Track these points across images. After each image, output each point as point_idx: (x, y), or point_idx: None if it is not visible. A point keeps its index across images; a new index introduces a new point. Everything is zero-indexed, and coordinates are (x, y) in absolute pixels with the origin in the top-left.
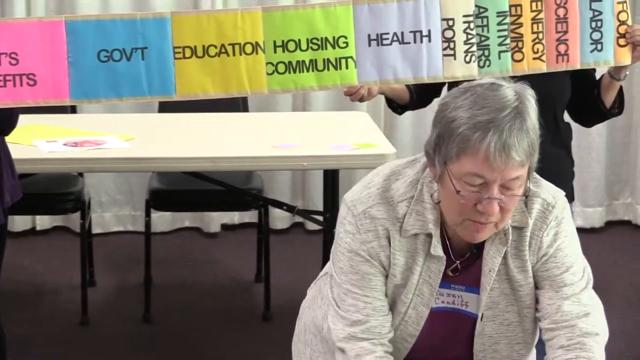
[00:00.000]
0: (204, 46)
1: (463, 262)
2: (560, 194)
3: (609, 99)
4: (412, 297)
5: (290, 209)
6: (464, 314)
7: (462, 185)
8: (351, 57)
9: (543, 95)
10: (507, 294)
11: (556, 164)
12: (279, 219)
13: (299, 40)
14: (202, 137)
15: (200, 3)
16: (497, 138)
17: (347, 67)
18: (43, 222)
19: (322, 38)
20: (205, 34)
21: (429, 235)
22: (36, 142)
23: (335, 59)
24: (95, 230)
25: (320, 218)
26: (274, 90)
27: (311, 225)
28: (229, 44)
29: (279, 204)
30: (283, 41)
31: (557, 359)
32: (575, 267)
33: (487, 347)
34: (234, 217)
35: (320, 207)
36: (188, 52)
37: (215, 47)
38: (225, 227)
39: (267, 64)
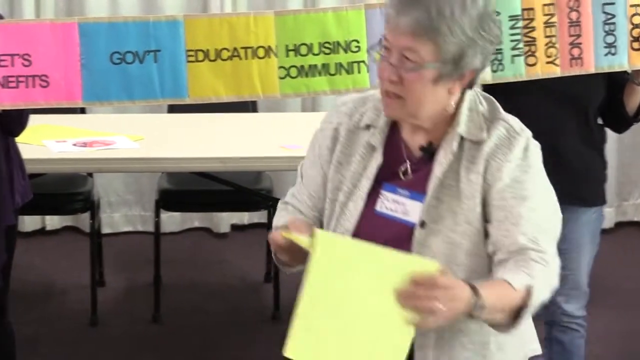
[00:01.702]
0: (216, 49)
1: (414, 166)
2: (530, 134)
3: (631, 104)
4: (351, 187)
5: None
6: (405, 224)
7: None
8: (363, 62)
9: (575, 95)
10: (454, 211)
11: (586, 164)
12: None
13: (311, 44)
14: (211, 137)
15: (210, 7)
16: (402, 3)
17: (359, 72)
18: (53, 222)
19: (334, 42)
20: (218, 37)
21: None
22: (46, 142)
23: (348, 63)
24: (105, 230)
25: None
26: (286, 94)
27: None
28: (242, 48)
29: None
30: (295, 45)
31: (497, 273)
32: (541, 213)
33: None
34: (244, 218)
35: None
36: (201, 55)
37: (228, 50)
38: (234, 227)
39: (279, 67)
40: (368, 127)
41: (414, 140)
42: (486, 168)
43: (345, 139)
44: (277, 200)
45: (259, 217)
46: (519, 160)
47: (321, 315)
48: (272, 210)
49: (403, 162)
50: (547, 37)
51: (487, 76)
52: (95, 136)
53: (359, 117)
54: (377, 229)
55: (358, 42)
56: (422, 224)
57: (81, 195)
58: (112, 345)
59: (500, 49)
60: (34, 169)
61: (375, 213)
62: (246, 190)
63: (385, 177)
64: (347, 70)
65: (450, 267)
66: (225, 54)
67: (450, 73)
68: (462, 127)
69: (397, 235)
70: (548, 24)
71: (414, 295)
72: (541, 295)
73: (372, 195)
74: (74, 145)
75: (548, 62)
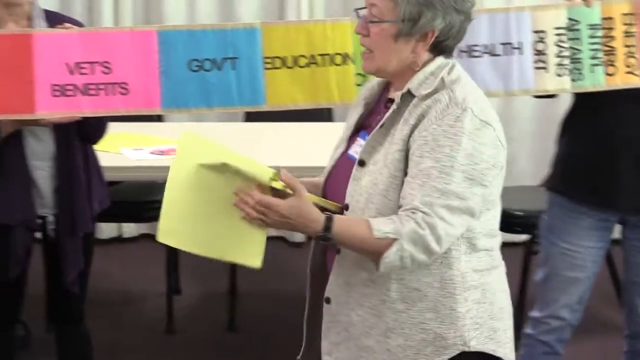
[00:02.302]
0: (293, 56)
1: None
2: (473, 110)
3: None
4: (341, 136)
5: None
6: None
7: None
8: None
9: None
10: (386, 158)
11: None
12: None
13: None
14: (287, 146)
15: (287, 14)
16: None
17: None
18: (130, 229)
19: None
20: (295, 45)
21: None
22: (123, 150)
23: None
24: None
25: None
26: None
27: None
28: (319, 55)
29: None
30: None
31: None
32: (451, 180)
33: (357, 198)
34: None
35: None
36: (278, 63)
37: (305, 57)
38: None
39: (356, 74)
40: (372, 88)
41: (393, 96)
42: (416, 124)
43: (357, 100)
44: None
45: None
46: (446, 126)
47: (186, 206)
48: None
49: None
50: (626, 46)
51: (566, 85)
52: (172, 144)
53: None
54: (342, 170)
55: None
56: (361, 163)
57: (158, 203)
58: (188, 353)
59: (579, 58)
60: (112, 177)
61: (347, 156)
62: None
63: (365, 127)
64: None
65: (367, 205)
66: (302, 61)
67: (409, 32)
68: (414, 83)
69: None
70: (628, 34)
71: (242, 202)
72: (405, 252)
73: (351, 142)
74: (151, 153)
75: (627, 72)
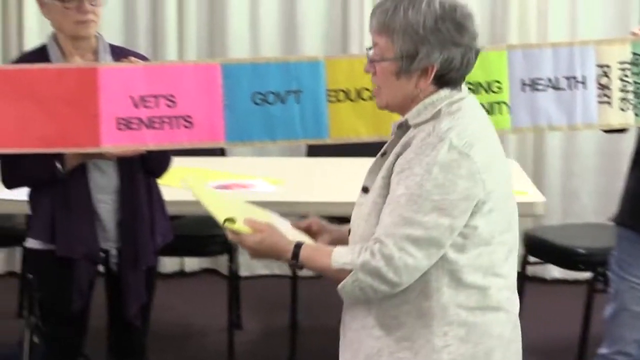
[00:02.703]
0: (357, 89)
1: None
2: (452, 142)
3: None
4: None
5: None
6: None
7: None
8: (505, 102)
9: None
10: (380, 186)
11: None
12: None
13: None
14: (351, 181)
15: (350, 47)
16: (375, 7)
17: (500, 113)
18: (192, 264)
19: (475, 82)
20: (359, 78)
21: None
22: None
23: (489, 103)
24: (243, 273)
25: None
26: None
27: None
28: None
29: None
30: None
31: None
32: (418, 210)
33: (358, 223)
34: None
35: None
36: (341, 95)
37: (369, 90)
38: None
39: None
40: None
41: None
42: (401, 152)
43: None
44: None
45: None
46: (422, 155)
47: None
48: None
49: None
50: None
51: (630, 120)
52: (234, 179)
53: None
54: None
55: (500, 82)
56: (364, 189)
57: (219, 238)
58: None
59: None
60: (174, 211)
61: None
62: None
63: None
64: (488, 110)
65: (357, 229)
66: (365, 94)
67: (408, 68)
68: (412, 113)
69: None
70: None
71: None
72: (362, 283)
73: None
74: (214, 187)
75: None
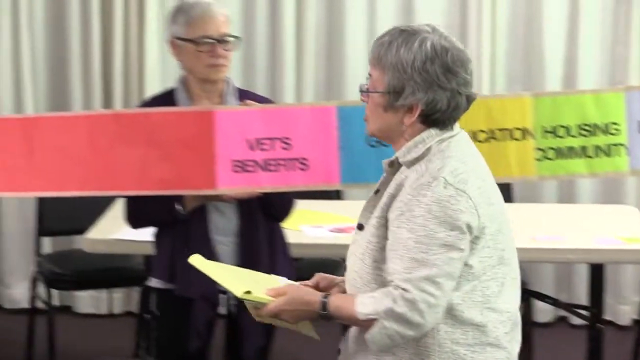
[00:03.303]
0: (473, 131)
1: None
2: (445, 181)
3: None
4: None
5: (554, 301)
6: None
7: None
8: (622, 144)
9: None
10: (375, 226)
11: None
12: (542, 311)
13: (569, 126)
14: None
15: None
16: (374, 40)
17: (618, 155)
18: None
19: (592, 124)
20: (475, 119)
21: None
22: (303, 227)
23: (607, 145)
24: None
25: (586, 312)
26: (543, 176)
27: (575, 320)
28: (498, 129)
29: (542, 296)
30: (552, 127)
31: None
32: (422, 248)
33: (353, 260)
34: None
35: (584, 301)
36: None
37: (485, 132)
38: None
39: (536, 149)
40: None
41: None
42: (395, 193)
43: None
44: (531, 292)
45: None
46: (419, 195)
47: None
48: (526, 302)
49: None
50: None
51: None
52: (351, 222)
53: None
54: None
55: (617, 124)
56: (359, 226)
57: None
58: None
59: None
60: (293, 253)
61: None
62: None
63: None
64: (606, 152)
65: (352, 267)
66: (482, 136)
67: (393, 103)
68: (402, 151)
69: None
70: None
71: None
72: (389, 330)
73: None
74: (330, 231)
75: None
